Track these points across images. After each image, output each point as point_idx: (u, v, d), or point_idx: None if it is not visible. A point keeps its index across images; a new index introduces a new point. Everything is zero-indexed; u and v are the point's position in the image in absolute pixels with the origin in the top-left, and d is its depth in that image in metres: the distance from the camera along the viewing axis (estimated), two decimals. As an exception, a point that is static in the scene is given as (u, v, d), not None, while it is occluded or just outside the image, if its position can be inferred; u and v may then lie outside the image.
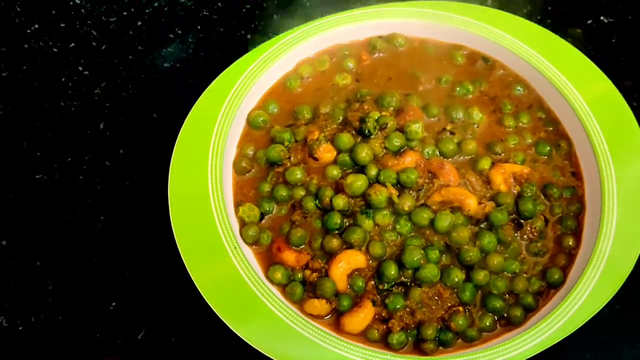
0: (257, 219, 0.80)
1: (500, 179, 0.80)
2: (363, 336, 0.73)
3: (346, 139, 0.80)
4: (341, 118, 0.85)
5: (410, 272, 0.74)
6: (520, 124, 0.87)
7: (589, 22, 1.07)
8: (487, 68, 0.92)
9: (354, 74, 0.92)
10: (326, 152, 0.81)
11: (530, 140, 0.85)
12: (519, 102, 0.89)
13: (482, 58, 0.93)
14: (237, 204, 0.81)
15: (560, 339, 0.69)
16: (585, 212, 0.80)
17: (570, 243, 0.78)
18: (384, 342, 0.72)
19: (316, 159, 0.81)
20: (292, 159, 0.83)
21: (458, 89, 0.89)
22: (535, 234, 0.78)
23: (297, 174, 0.80)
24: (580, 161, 0.84)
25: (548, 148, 0.84)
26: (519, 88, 0.90)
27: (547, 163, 0.84)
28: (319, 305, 0.73)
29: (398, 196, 0.76)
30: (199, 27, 1.08)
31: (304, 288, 0.75)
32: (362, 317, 0.72)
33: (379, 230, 0.77)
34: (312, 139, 0.82)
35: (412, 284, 0.74)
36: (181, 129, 0.83)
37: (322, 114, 0.86)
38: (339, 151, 0.81)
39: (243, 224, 0.79)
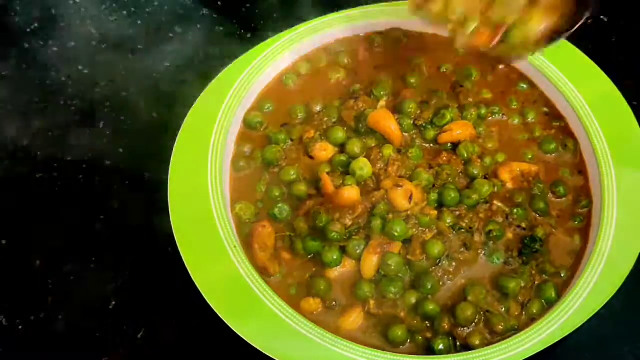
0: (253, 217, 0.80)
1: (508, 177, 0.80)
2: (363, 335, 0.72)
3: (340, 132, 0.81)
4: (336, 117, 0.85)
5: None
6: (527, 120, 0.87)
7: (589, 21, 1.06)
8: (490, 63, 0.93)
9: (348, 70, 0.92)
10: (322, 150, 0.81)
11: (538, 134, 0.85)
12: (525, 100, 0.89)
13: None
14: (234, 202, 0.81)
15: (560, 339, 0.69)
16: (593, 210, 0.80)
17: (577, 242, 0.78)
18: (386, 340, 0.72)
19: (312, 157, 0.81)
20: (287, 159, 0.83)
21: (462, 69, 0.90)
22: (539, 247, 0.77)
23: (292, 173, 0.80)
24: (584, 160, 0.84)
25: (554, 145, 0.84)
26: (522, 85, 0.90)
27: (556, 161, 0.84)
28: (314, 304, 0.73)
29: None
30: (198, 27, 1.08)
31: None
32: (353, 319, 0.72)
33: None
34: (308, 137, 0.82)
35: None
36: (181, 129, 0.83)
37: (316, 113, 0.86)
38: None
39: (239, 222, 0.79)
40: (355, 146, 0.81)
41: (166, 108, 0.96)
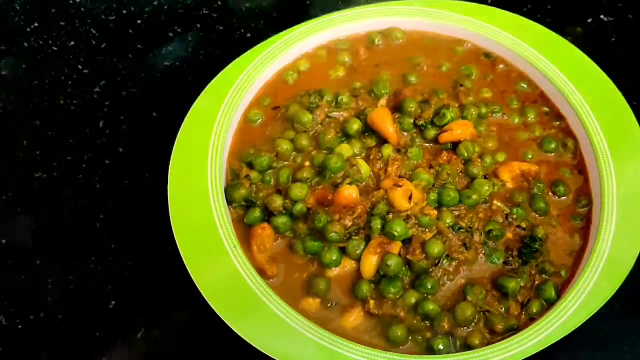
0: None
1: (508, 177, 0.80)
2: (363, 335, 0.73)
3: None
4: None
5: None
6: (527, 120, 0.87)
7: (589, 20, 1.07)
8: (490, 63, 0.93)
9: (349, 68, 0.92)
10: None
11: (538, 134, 0.86)
12: (525, 99, 0.89)
13: (484, 54, 0.93)
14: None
15: (560, 339, 0.69)
16: (593, 210, 0.80)
17: (577, 242, 0.78)
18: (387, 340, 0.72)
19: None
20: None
21: (463, 67, 0.91)
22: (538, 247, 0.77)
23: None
24: (584, 160, 0.84)
25: (554, 145, 0.84)
26: (523, 84, 0.91)
27: (556, 161, 0.84)
28: (314, 304, 0.73)
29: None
30: (198, 26, 1.08)
31: None
32: (353, 319, 0.72)
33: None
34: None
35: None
36: (181, 128, 0.83)
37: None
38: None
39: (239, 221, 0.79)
40: (354, 146, 0.81)
41: (166, 108, 0.96)
